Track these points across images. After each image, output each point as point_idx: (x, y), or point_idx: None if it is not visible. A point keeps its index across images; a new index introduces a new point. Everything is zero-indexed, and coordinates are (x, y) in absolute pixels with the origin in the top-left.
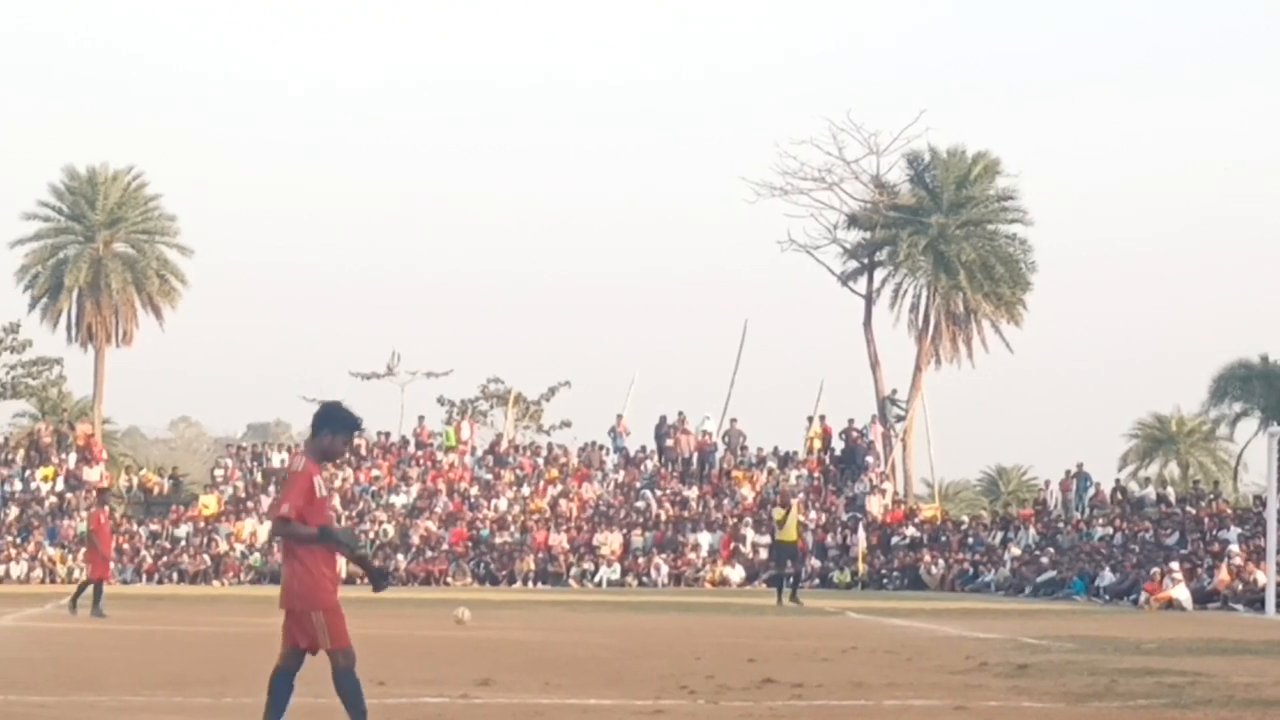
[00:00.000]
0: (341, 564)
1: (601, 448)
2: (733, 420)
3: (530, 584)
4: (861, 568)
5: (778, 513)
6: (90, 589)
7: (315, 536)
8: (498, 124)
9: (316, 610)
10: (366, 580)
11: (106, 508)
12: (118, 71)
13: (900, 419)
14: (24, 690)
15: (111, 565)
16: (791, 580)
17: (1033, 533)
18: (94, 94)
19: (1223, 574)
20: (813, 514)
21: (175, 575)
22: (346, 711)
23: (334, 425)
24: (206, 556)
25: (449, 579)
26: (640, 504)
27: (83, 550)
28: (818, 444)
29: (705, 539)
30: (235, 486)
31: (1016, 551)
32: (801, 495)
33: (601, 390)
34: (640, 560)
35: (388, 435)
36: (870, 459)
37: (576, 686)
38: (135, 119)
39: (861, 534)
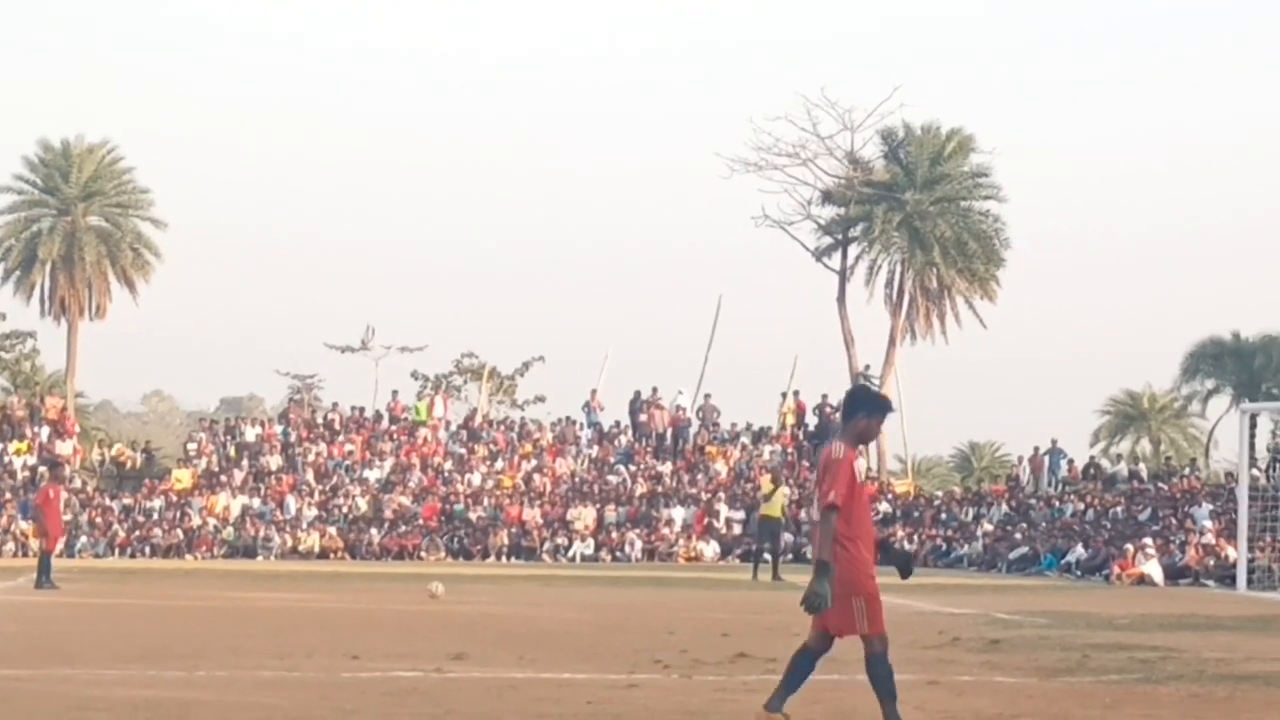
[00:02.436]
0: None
1: (575, 423)
2: (706, 396)
3: (504, 559)
4: None
5: (766, 485)
6: (52, 560)
7: (823, 549)
8: (472, 97)
9: (858, 596)
10: (340, 555)
11: (59, 483)
12: (91, 43)
13: None
14: None
15: (59, 543)
16: (771, 558)
17: (1005, 508)
18: (68, 66)
19: (1194, 550)
20: (785, 489)
21: (148, 549)
22: (876, 694)
23: (868, 408)
24: (179, 531)
25: (422, 553)
26: (614, 479)
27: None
28: (791, 419)
29: (679, 514)
30: (208, 460)
31: (989, 527)
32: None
33: (575, 365)
34: (614, 535)
35: (361, 410)
36: None
37: (550, 661)
38: (109, 92)
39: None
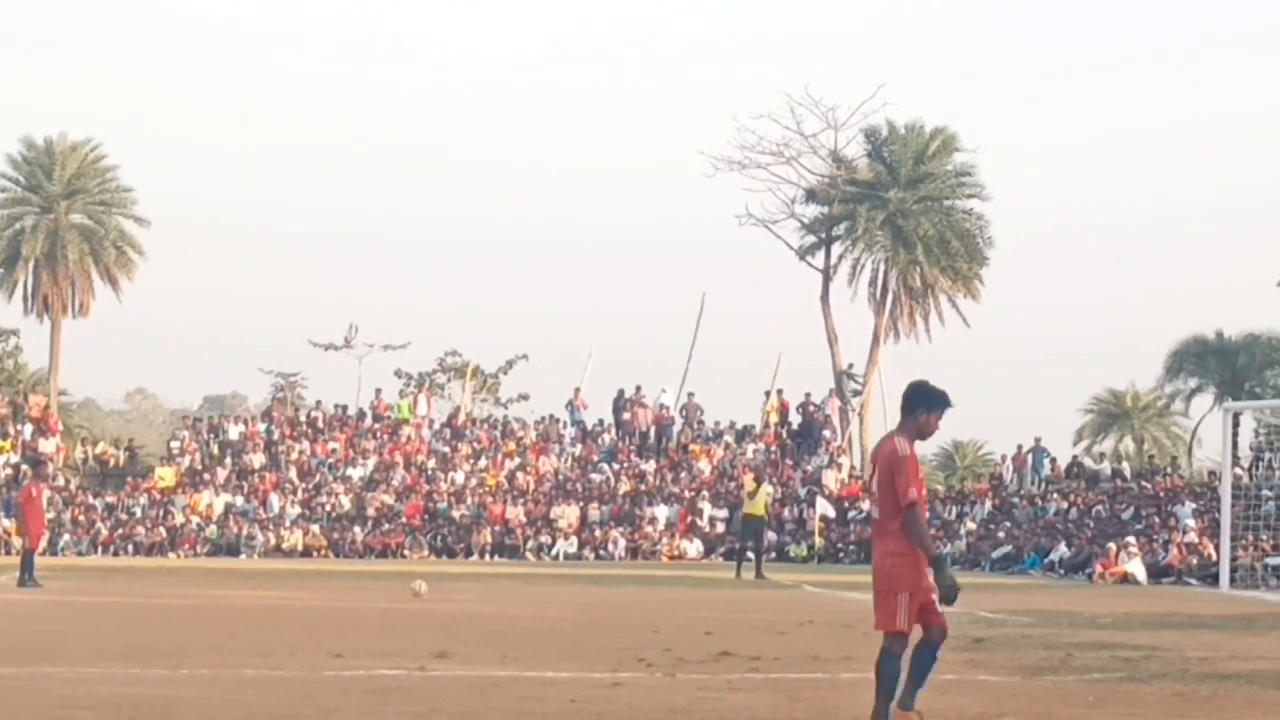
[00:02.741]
0: None
1: (559, 421)
2: (690, 394)
3: (487, 557)
4: (818, 541)
5: (749, 484)
6: (35, 558)
7: (928, 546)
8: (457, 96)
9: (904, 592)
10: (324, 553)
11: (41, 481)
12: (75, 41)
13: (857, 393)
14: None
15: (42, 541)
16: (755, 557)
17: (988, 507)
18: (51, 64)
19: (1177, 549)
20: (769, 488)
21: (131, 547)
22: (877, 690)
23: (928, 403)
24: (162, 529)
25: (406, 551)
26: (597, 477)
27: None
28: (774, 418)
29: (662, 512)
30: (191, 458)
31: (972, 526)
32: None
33: (559, 364)
34: (597, 533)
35: (345, 408)
36: (827, 433)
37: (534, 659)
38: (93, 89)
39: (822, 506)
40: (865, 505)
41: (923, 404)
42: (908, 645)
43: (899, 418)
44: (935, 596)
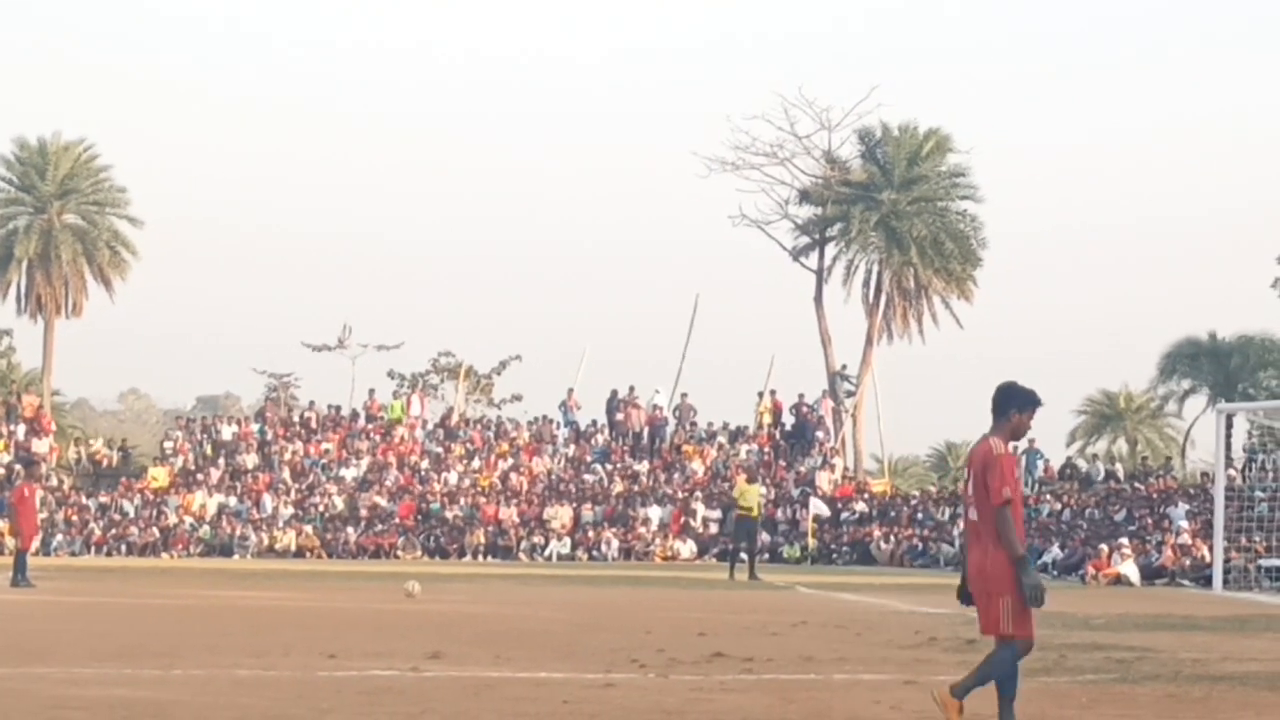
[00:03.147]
0: None
1: (552, 421)
2: (683, 395)
3: (480, 558)
4: (811, 543)
5: (740, 484)
6: (28, 558)
7: (1014, 546)
8: (450, 96)
9: (1005, 595)
10: (317, 554)
11: (34, 481)
12: (68, 41)
13: (850, 394)
14: None
15: (35, 541)
16: (748, 557)
17: None
18: (44, 64)
19: (1170, 550)
20: (760, 488)
21: (124, 548)
22: (975, 680)
23: (1020, 403)
24: (155, 529)
25: (399, 552)
26: (591, 478)
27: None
28: (768, 419)
29: (656, 513)
30: (185, 459)
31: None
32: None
33: (552, 364)
34: (590, 534)
35: (338, 409)
36: (820, 434)
37: (527, 660)
38: (86, 90)
39: (815, 507)
40: (859, 506)
41: (1015, 404)
42: (1032, 648)
43: (991, 420)
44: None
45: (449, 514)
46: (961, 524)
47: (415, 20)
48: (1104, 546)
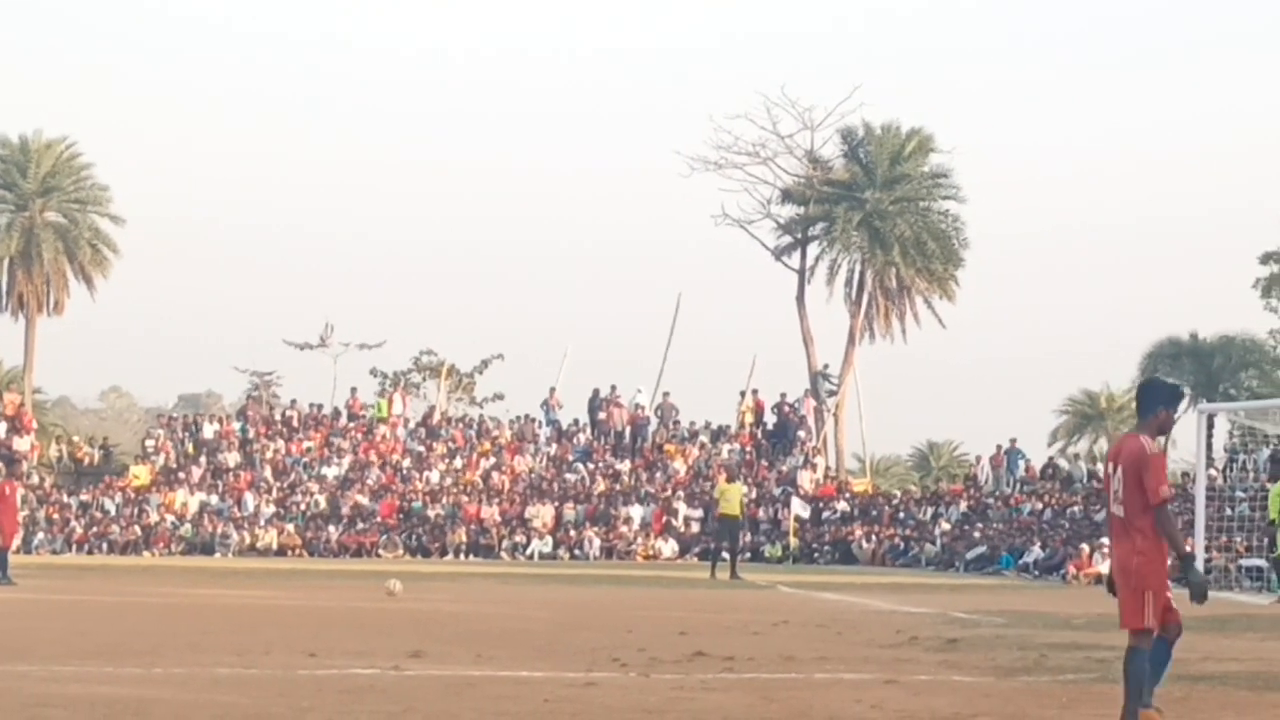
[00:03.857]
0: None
1: (534, 420)
2: (665, 394)
3: (462, 556)
4: (793, 542)
5: (720, 484)
6: (9, 556)
7: (1179, 544)
8: (431, 94)
9: (1149, 590)
10: (298, 552)
11: (15, 479)
12: (49, 38)
13: (832, 394)
14: None
15: (15, 539)
16: (730, 556)
17: (963, 508)
18: (25, 61)
19: None
20: (742, 487)
21: (105, 546)
22: (1125, 686)
23: (1166, 399)
24: (137, 527)
25: (380, 551)
26: (572, 477)
27: None
28: (750, 418)
29: (637, 512)
30: (166, 457)
31: (947, 526)
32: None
33: (534, 363)
34: (572, 533)
35: (320, 407)
36: (802, 433)
37: (508, 658)
38: (68, 87)
39: (797, 506)
40: (841, 505)
41: (1161, 400)
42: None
43: (1136, 418)
44: (1170, 594)
45: (431, 513)
46: (944, 524)
47: (395, 20)
48: (1085, 546)
